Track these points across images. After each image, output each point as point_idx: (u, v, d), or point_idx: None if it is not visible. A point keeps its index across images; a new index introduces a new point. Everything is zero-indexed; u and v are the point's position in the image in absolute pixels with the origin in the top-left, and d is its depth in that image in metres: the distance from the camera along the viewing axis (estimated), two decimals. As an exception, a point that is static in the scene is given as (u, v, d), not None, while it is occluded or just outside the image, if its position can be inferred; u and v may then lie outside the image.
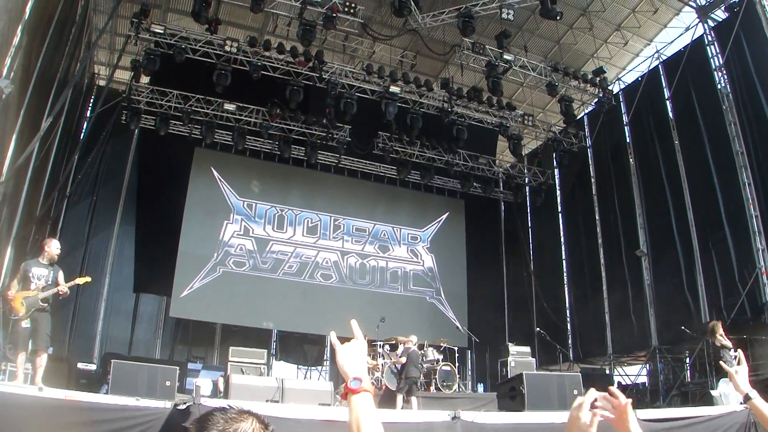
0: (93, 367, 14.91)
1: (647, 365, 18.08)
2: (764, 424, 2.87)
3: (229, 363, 12.22)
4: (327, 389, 9.72)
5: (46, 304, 8.22)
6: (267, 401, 8.36)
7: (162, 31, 16.12)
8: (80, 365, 14.49)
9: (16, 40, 10.07)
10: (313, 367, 20.60)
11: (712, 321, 11.94)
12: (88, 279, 9.21)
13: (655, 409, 12.51)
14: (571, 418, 2.12)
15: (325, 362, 20.82)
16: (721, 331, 10.99)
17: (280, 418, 6.32)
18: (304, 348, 20.38)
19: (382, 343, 14.49)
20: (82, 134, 17.61)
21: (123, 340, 17.92)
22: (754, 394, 2.97)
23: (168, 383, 8.22)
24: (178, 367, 9.14)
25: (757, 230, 15.12)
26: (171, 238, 18.29)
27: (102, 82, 19.08)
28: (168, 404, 6.44)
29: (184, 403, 6.31)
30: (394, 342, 14.85)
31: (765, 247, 14.92)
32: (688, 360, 16.47)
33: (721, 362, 10.31)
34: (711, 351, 11.34)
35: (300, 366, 20.50)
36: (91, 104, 18.87)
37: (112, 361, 9.10)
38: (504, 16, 16.20)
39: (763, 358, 13.44)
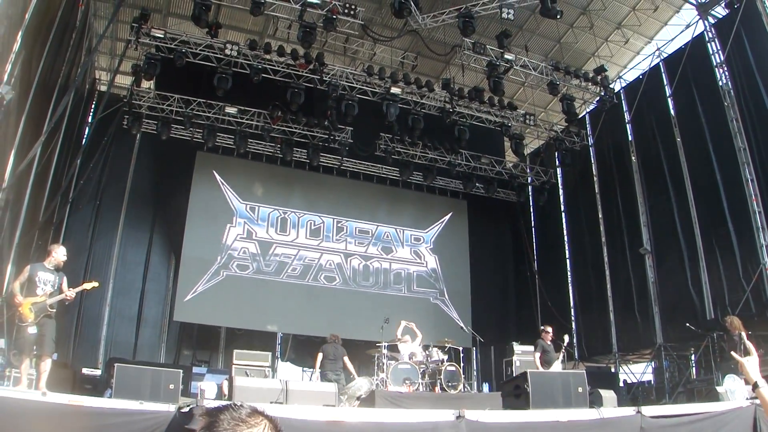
0: (98, 372, 14.92)
1: (652, 363, 18.03)
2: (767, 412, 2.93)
3: (233, 366, 12.21)
4: (331, 390, 9.62)
5: (53, 310, 8.21)
6: (271, 403, 8.34)
7: (162, 36, 16.18)
8: (85, 371, 14.53)
9: (16, 47, 10.08)
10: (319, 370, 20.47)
11: (731, 316, 11.74)
12: (96, 284, 9.04)
13: (661, 406, 12.46)
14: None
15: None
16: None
17: (285, 419, 6.31)
18: (309, 350, 20.30)
19: (386, 344, 14.42)
20: (84, 139, 17.61)
21: (127, 345, 17.88)
22: (762, 383, 2.98)
23: (172, 386, 8.21)
24: (181, 370, 9.14)
25: (760, 226, 15.06)
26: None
27: (103, 88, 19.12)
28: (172, 407, 6.44)
29: (188, 406, 6.31)
30: (397, 343, 14.77)
31: (769, 242, 14.88)
32: (693, 357, 16.46)
33: (732, 352, 10.20)
34: (728, 344, 11.08)
35: (305, 369, 20.42)
36: (92, 109, 18.90)
37: (116, 364, 9.10)
38: (504, 15, 16.17)
39: (769, 354, 13.39)
